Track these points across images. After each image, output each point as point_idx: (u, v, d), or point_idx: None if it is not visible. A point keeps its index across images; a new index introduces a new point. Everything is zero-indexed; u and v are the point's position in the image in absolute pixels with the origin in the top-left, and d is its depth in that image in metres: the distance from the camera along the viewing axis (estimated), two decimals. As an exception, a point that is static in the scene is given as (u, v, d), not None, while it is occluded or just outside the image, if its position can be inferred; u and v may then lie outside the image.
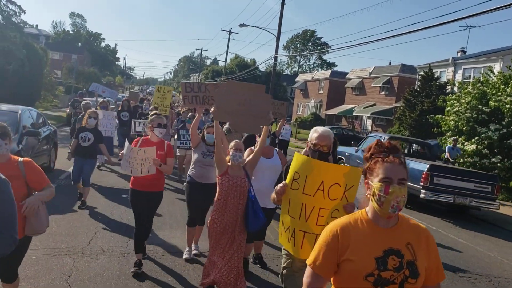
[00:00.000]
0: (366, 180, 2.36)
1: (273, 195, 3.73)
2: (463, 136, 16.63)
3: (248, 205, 4.90)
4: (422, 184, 11.74)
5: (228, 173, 4.94)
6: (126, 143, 5.55)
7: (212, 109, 5.08)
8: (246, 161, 5.16)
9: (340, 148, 14.68)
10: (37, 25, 74.33)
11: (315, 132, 4.05)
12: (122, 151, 5.64)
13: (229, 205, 4.90)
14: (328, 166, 3.40)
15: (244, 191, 4.92)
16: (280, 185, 3.61)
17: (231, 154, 4.93)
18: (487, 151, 15.61)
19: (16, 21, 30.76)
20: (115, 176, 11.46)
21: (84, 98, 15.53)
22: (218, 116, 5.05)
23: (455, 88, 22.39)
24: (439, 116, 18.14)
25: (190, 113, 11.15)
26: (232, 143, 5.05)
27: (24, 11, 31.17)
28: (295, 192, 3.42)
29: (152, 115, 6.19)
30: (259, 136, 5.39)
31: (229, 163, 4.97)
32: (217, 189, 5.00)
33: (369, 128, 40.91)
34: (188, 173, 6.31)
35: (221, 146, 5.13)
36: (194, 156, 6.20)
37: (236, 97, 4.95)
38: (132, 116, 13.52)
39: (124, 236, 6.87)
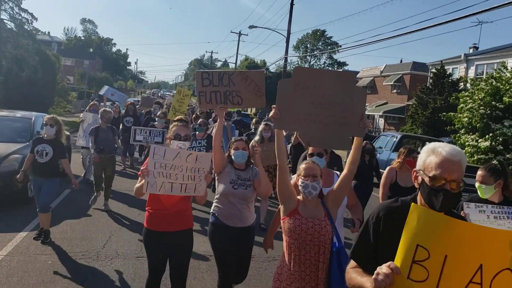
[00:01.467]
0: None
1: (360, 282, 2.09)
2: (477, 133, 16.45)
3: (333, 261, 3.29)
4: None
5: (299, 212, 3.35)
6: (153, 147, 3.71)
7: (271, 113, 3.40)
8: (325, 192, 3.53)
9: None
10: (49, 32, 75.23)
11: (434, 154, 2.15)
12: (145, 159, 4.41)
13: (303, 263, 3.30)
14: (487, 231, 1.82)
15: (326, 241, 3.31)
16: (383, 270, 1.83)
17: (300, 184, 3.38)
18: (501, 147, 15.42)
19: (29, 29, 31.19)
20: (129, 180, 11.52)
21: (101, 103, 14.98)
22: (282, 123, 3.43)
23: (468, 85, 22.15)
24: (452, 113, 17.95)
25: (200, 119, 9.36)
26: (302, 166, 3.46)
27: (36, 19, 31.58)
28: (419, 286, 1.80)
29: (175, 121, 4.47)
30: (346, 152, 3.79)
31: (300, 197, 3.44)
32: (283, 238, 3.44)
33: (382, 127, 40.67)
34: (211, 209, 4.54)
35: (285, 168, 3.48)
36: (219, 186, 4.45)
37: (311, 93, 3.38)
38: (137, 122, 12.52)
39: (139, 239, 6.90)
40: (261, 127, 8.74)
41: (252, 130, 11.60)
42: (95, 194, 8.60)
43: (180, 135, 4.21)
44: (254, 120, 13.07)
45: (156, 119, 10.32)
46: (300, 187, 3.39)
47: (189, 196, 4.00)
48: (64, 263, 5.71)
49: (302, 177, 3.37)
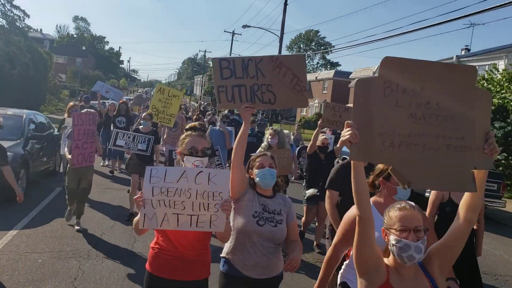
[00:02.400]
0: None
1: None
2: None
3: None
4: (427, 183, 11.69)
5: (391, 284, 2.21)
6: (148, 169, 2.73)
7: (346, 134, 2.10)
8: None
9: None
10: (41, 29, 74.65)
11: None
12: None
13: None
14: None
15: None
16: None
17: (395, 243, 2.19)
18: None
19: (20, 26, 31.02)
20: (121, 179, 11.49)
21: (91, 102, 14.00)
22: (363, 152, 2.13)
23: (460, 86, 22.26)
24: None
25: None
26: (395, 214, 2.26)
27: (28, 16, 31.44)
28: None
29: (189, 129, 3.36)
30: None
31: (388, 261, 2.29)
32: None
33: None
34: (223, 252, 3.33)
35: (368, 223, 2.20)
36: (237, 220, 3.21)
37: (409, 101, 2.14)
38: (130, 123, 11.74)
39: (130, 238, 6.89)
40: (267, 134, 7.55)
41: (250, 131, 10.46)
42: (69, 208, 7.36)
43: (197, 148, 3.05)
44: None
45: (141, 121, 8.59)
46: (393, 248, 2.20)
47: (208, 232, 2.97)
48: (54, 262, 5.68)
49: (396, 232, 2.18)
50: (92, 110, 7.70)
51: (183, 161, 3.08)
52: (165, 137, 10.90)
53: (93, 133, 7.17)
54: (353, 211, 2.97)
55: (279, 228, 3.20)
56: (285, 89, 3.17)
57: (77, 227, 7.01)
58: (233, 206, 3.19)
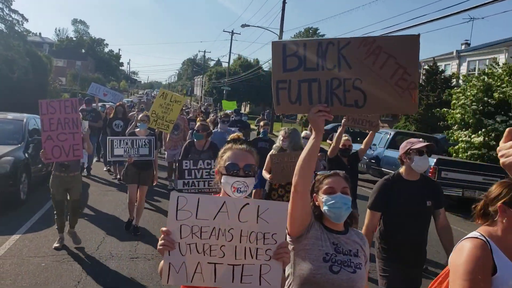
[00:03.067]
0: None
1: None
2: (470, 129, 16.53)
3: None
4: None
5: None
6: (174, 195, 1.99)
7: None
8: None
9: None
10: (40, 33, 74.73)
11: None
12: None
13: None
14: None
15: None
16: None
17: None
18: (494, 142, 15.50)
19: (19, 30, 31.07)
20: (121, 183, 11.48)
21: (93, 105, 12.95)
22: None
23: (460, 81, 22.26)
24: (445, 109, 18.03)
25: (199, 123, 7.36)
26: None
27: (26, 20, 31.47)
28: None
29: (230, 141, 2.54)
30: None
31: None
32: None
33: (375, 124, 40.72)
34: None
35: None
36: (300, 266, 2.42)
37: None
38: (128, 127, 10.37)
39: (132, 240, 6.87)
40: (280, 135, 6.47)
41: (262, 135, 8.91)
42: (60, 235, 6.40)
43: (238, 166, 2.24)
44: (262, 122, 9.82)
45: (138, 124, 7.67)
46: None
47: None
48: (57, 265, 5.66)
49: None
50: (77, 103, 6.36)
51: (221, 182, 2.29)
52: (167, 140, 10.49)
53: (74, 123, 6.09)
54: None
55: (358, 275, 2.38)
56: (383, 86, 2.21)
57: (71, 236, 6.47)
58: (292, 247, 2.40)
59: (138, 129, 7.59)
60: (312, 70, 2.27)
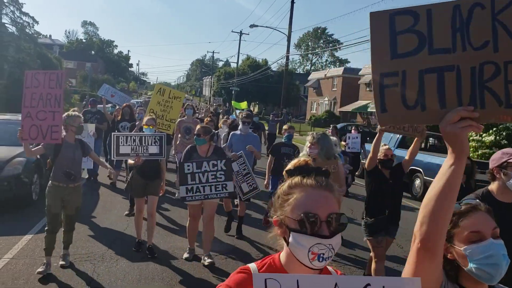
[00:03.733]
0: None
1: None
2: (480, 128, 16.44)
3: None
4: (440, 178, 11.57)
5: None
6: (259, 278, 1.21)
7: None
8: None
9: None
10: (50, 35, 75.59)
11: None
12: None
13: None
14: None
15: None
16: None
17: None
18: (505, 142, 15.37)
19: (30, 32, 31.38)
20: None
21: (98, 106, 12.12)
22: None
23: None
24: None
25: (199, 125, 6.46)
26: None
27: (37, 22, 31.81)
28: None
29: (294, 171, 1.53)
30: None
31: None
32: None
33: (385, 123, 40.50)
34: None
35: None
36: None
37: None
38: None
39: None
40: (307, 141, 5.49)
41: (286, 140, 7.63)
42: (45, 261, 5.46)
43: (319, 218, 1.39)
44: (286, 125, 8.04)
45: (144, 128, 6.62)
46: None
47: None
48: (69, 265, 5.70)
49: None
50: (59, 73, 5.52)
51: (286, 240, 1.43)
52: (177, 143, 9.69)
53: (57, 100, 5.27)
54: None
55: None
56: None
57: (61, 262, 5.67)
58: None
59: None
60: (445, 52, 1.42)
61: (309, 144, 5.32)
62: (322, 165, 3.93)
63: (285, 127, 7.89)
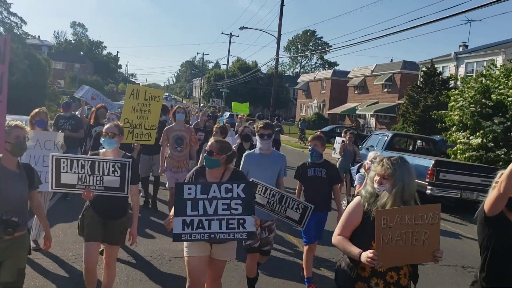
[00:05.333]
0: None
1: None
2: (468, 131, 16.58)
3: None
4: (428, 180, 11.69)
5: None
6: None
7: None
8: None
9: None
10: (39, 36, 74.93)
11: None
12: None
13: None
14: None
15: None
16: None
17: None
18: (492, 144, 15.55)
19: (18, 33, 31.16)
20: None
21: (76, 112, 10.65)
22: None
23: (458, 83, 22.34)
24: (443, 111, 18.09)
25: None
26: None
27: (25, 23, 31.58)
28: None
29: None
30: None
31: None
32: None
33: (373, 126, 40.85)
34: None
35: None
36: None
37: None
38: None
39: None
40: (371, 168, 3.36)
41: (314, 157, 5.62)
42: None
43: None
44: (311, 137, 5.80)
45: (102, 141, 4.62)
46: None
47: None
48: (56, 267, 5.67)
49: None
50: None
51: None
52: (165, 157, 7.58)
53: None
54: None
55: None
56: None
57: None
58: None
59: (103, 150, 4.69)
60: None
61: (376, 176, 3.11)
62: (405, 213, 2.87)
63: (310, 138, 5.74)
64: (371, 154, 5.33)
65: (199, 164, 7.30)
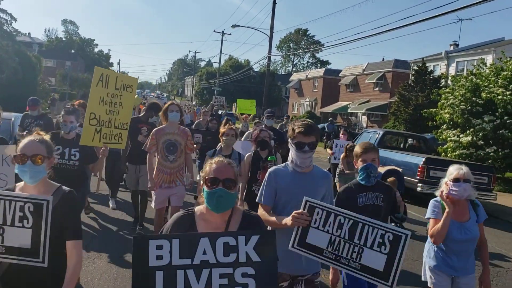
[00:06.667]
0: None
1: None
2: (458, 129, 16.69)
3: None
4: (418, 177, 11.75)
5: None
6: None
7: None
8: None
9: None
10: (29, 33, 74.30)
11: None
12: None
13: None
14: None
15: None
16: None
17: None
18: (482, 142, 15.68)
19: (8, 30, 30.88)
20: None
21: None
22: None
23: (449, 82, 22.48)
24: (434, 110, 18.21)
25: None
26: None
27: (15, 19, 31.26)
28: None
29: None
30: None
31: None
32: None
33: (364, 124, 40.99)
34: None
35: None
36: None
37: None
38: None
39: (121, 239, 6.86)
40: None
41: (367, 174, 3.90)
42: None
43: None
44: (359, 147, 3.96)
45: (17, 168, 2.65)
46: None
47: None
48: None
49: None
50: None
51: None
52: (155, 168, 5.96)
53: None
54: None
55: None
56: None
57: None
58: None
59: (21, 183, 2.77)
60: None
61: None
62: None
63: (360, 149, 3.85)
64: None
65: (196, 177, 5.84)
